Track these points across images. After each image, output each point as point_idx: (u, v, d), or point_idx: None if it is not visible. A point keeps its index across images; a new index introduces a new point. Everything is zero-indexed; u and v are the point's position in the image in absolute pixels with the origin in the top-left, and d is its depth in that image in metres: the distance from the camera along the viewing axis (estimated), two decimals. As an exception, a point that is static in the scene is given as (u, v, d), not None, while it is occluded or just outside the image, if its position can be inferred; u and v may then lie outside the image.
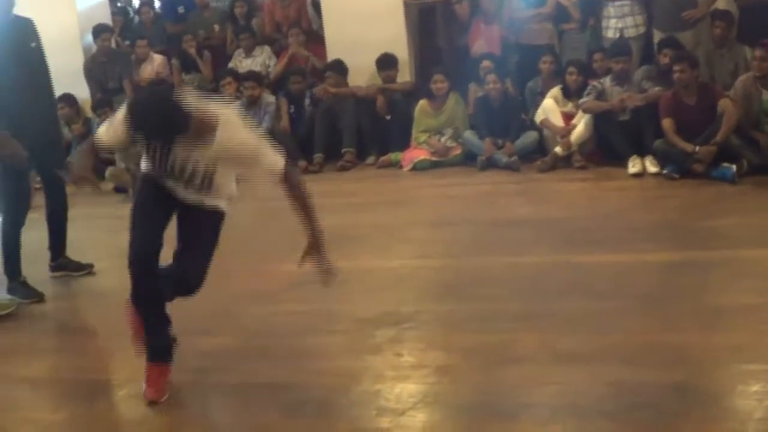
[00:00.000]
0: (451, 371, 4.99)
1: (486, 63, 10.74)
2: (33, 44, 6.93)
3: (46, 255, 7.33)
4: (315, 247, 5.23)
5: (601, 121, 9.66)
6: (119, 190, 10.68)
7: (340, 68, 11.53)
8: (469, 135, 10.42)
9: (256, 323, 5.97)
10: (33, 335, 6.28)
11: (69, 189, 7.30)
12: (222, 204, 5.44)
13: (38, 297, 6.87)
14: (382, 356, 5.26)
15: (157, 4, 14.80)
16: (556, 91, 10.31)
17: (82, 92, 12.71)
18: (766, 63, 8.88)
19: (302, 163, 10.87)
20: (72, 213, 7.40)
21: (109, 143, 5.25)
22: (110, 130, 5.13)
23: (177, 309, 6.26)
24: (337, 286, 6.03)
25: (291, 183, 5.29)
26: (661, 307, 5.61)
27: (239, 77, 11.95)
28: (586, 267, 6.47)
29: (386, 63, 11.43)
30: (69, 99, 12.05)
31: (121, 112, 4.90)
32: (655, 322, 5.38)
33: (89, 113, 12.57)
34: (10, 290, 6.88)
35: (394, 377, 4.96)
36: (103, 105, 11.75)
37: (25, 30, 6.94)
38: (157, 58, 13.11)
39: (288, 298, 6.38)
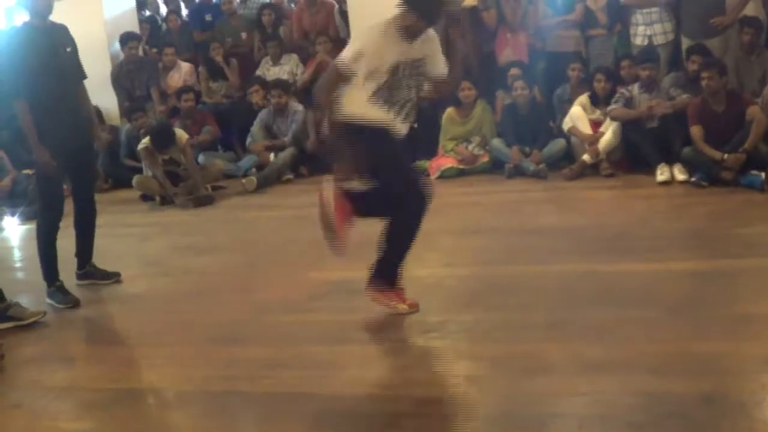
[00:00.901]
0: (478, 381, 4.97)
1: (514, 70, 10.72)
2: (68, 49, 6.97)
3: (74, 262, 7.34)
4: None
5: (629, 128, 9.63)
6: (146, 198, 10.70)
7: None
8: (496, 143, 10.41)
9: (284, 332, 5.95)
10: (60, 343, 6.28)
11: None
12: None
13: (74, 302, 6.89)
14: (409, 366, 5.23)
15: (184, 12, 14.83)
16: (584, 98, 10.28)
17: (109, 100, 12.78)
18: (796, 71, 8.85)
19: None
20: (99, 220, 7.41)
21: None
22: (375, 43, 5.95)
23: (206, 317, 6.31)
24: (363, 295, 6.05)
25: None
26: (690, 316, 5.57)
27: (267, 85, 11.97)
28: (613, 276, 6.44)
29: (413, 71, 11.39)
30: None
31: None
32: (684, 331, 5.34)
33: (116, 121, 12.63)
34: (49, 295, 6.92)
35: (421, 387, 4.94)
36: (137, 110, 11.85)
37: (61, 36, 6.98)
38: (185, 66, 13.15)
39: (316, 307, 6.37)
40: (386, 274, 6.00)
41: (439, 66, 6.16)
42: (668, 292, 6.04)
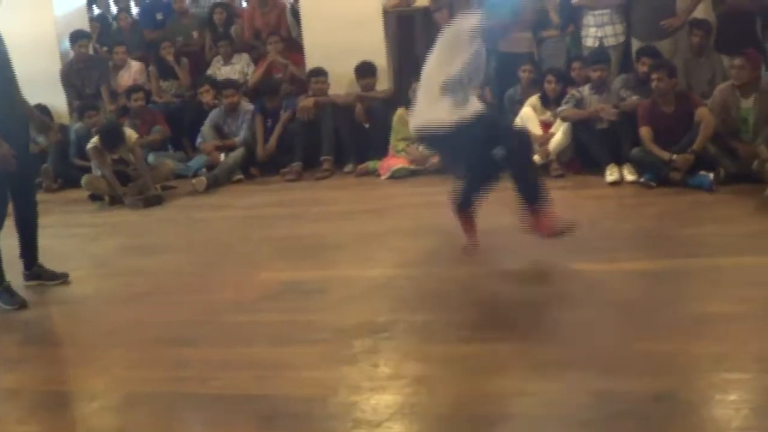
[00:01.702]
0: (428, 382, 4.96)
1: (466, 70, 10.71)
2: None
3: (19, 263, 7.25)
4: None
5: (579, 129, 9.67)
6: (95, 198, 10.61)
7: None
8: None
9: (235, 333, 5.92)
10: (6, 345, 6.21)
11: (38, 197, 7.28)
12: None
13: (21, 303, 6.81)
14: (359, 367, 5.21)
15: (135, 10, 14.74)
16: (534, 99, 10.31)
17: (59, 99, 12.68)
18: (745, 71, 8.90)
19: (283, 171, 10.91)
20: (47, 220, 7.37)
21: None
22: None
23: (156, 318, 6.27)
24: (315, 295, 6.05)
25: None
26: (640, 316, 5.60)
27: (217, 85, 11.93)
28: (564, 276, 6.48)
29: (365, 71, 11.42)
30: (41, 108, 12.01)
31: None
32: (634, 331, 5.37)
33: (65, 120, 12.53)
34: None
35: (370, 388, 4.91)
36: (90, 108, 11.75)
37: None
38: (135, 65, 13.07)
39: (268, 307, 6.35)
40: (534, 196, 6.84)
41: None
42: (618, 292, 6.08)
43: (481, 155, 6.81)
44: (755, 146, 8.35)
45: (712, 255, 6.67)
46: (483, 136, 6.67)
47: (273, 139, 11.34)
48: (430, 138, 7.02)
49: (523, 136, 7.20)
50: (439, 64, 6.82)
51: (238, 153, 11.17)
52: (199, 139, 11.62)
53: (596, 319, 5.59)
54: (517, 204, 6.85)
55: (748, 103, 8.97)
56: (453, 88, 6.67)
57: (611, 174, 9.28)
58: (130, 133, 10.58)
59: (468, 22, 6.71)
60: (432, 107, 6.74)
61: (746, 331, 5.25)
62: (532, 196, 6.82)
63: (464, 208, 7.12)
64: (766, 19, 10.39)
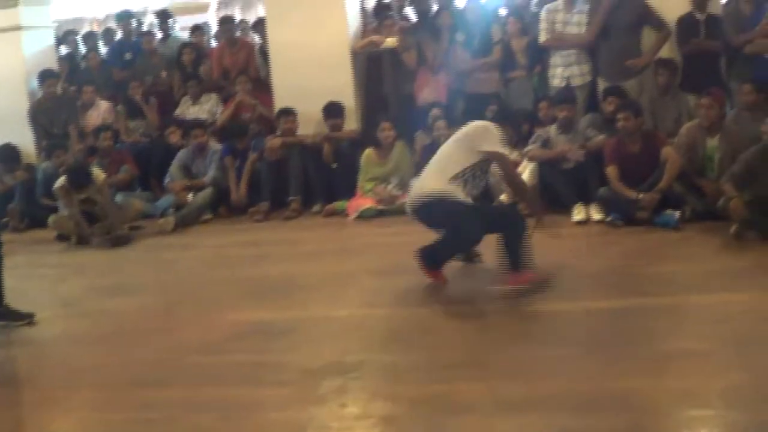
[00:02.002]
0: (396, 422, 4.96)
1: (435, 111, 10.77)
2: None
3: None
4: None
5: (546, 169, 9.71)
6: (62, 238, 10.57)
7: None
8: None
9: (202, 373, 5.90)
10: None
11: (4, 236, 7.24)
12: None
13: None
14: (328, 407, 5.21)
15: (103, 50, 14.73)
16: (501, 139, 10.35)
17: (27, 137, 12.67)
18: (713, 111, 8.99)
19: (251, 210, 10.91)
20: (14, 261, 7.33)
21: None
22: None
23: (124, 359, 6.24)
24: (283, 336, 6.04)
25: None
26: (607, 353, 5.62)
27: (185, 125, 11.93)
28: (531, 315, 6.49)
29: (333, 111, 11.45)
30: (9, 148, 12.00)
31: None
32: (601, 369, 5.39)
33: (33, 159, 12.51)
34: None
35: (339, 428, 4.92)
36: (58, 147, 11.73)
37: None
38: (103, 105, 13.06)
39: (235, 348, 6.32)
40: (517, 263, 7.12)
41: None
42: (585, 331, 6.11)
43: (472, 233, 7.19)
44: (720, 184, 8.41)
45: (677, 293, 6.73)
46: (479, 225, 7.12)
47: (243, 183, 11.33)
48: (428, 205, 7.24)
49: (514, 212, 7.76)
50: (457, 154, 7.36)
51: (207, 193, 11.15)
52: (167, 179, 11.60)
53: (563, 357, 5.61)
54: (498, 258, 7.16)
55: (713, 142, 9.05)
56: (459, 179, 7.19)
57: (578, 213, 9.33)
58: (98, 173, 10.56)
59: (489, 142, 7.30)
60: (438, 182, 7.21)
61: (711, 367, 5.30)
62: (515, 263, 7.12)
63: (437, 268, 7.31)
64: (731, 59, 10.50)
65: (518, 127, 9.07)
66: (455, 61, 11.44)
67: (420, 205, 7.28)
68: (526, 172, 9.81)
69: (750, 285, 6.81)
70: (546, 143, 9.84)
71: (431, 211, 7.19)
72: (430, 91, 11.45)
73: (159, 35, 14.25)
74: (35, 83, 12.91)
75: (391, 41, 11.82)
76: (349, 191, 10.89)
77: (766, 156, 8.24)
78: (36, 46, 13.42)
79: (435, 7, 12.30)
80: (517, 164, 10.01)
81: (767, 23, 9.84)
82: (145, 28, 15.15)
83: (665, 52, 10.70)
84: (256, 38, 13.57)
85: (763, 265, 7.36)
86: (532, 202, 7.82)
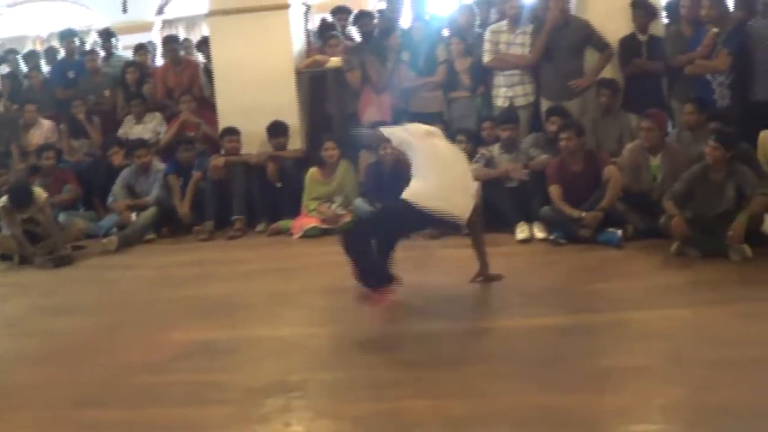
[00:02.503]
0: (340, 439, 4.97)
1: (380, 130, 10.79)
2: None
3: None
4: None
5: (489, 188, 9.74)
6: (4, 257, 10.49)
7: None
8: (359, 202, 10.44)
9: (146, 393, 5.87)
10: None
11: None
12: None
13: None
14: (271, 426, 5.21)
15: (46, 68, 14.63)
16: (445, 158, 10.40)
17: (-32, 157, 12.60)
18: (653, 133, 9.11)
19: (195, 229, 10.88)
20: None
21: None
22: None
23: (67, 379, 6.19)
24: (226, 355, 6.03)
25: None
26: (550, 370, 5.67)
27: (126, 145, 11.88)
28: (475, 332, 6.51)
29: (277, 130, 11.46)
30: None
31: None
32: (544, 385, 5.43)
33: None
34: None
35: (283, 446, 4.92)
36: (-1, 167, 11.66)
37: None
38: (46, 123, 12.98)
39: (179, 367, 6.30)
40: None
41: None
42: (528, 348, 6.14)
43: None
44: (664, 203, 8.49)
45: (619, 309, 6.79)
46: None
47: (187, 201, 11.28)
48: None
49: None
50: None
51: (150, 212, 11.11)
52: (110, 199, 11.54)
53: (506, 374, 5.65)
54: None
55: (656, 161, 9.15)
56: None
57: (521, 232, 9.38)
58: (40, 193, 10.48)
59: None
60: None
61: (651, 383, 5.36)
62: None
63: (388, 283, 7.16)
64: (672, 79, 10.62)
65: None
66: (400, 80, 11.47)
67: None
68: (470, 190, 9.86)
69: (690, 301, 6.91)
70: (489, 162, 9.89)
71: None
72: (374, 110, 11.46)
73: (102, 54, 14.17)
74: (-24, 102, 12.83)
75: (335, 61, 11.85)
76: (294, 210, 10.89)
77: (707, 175, 8.34)
78: (-23, 65, 13.34)
79: (377, 28, 12.33)
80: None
81: (707, 45, 9.96)
82: (88, 47, 15.02)
83: (607, 72, 10.80)
84: (201, 57, 13.53)
85: (703, 282, 7.46)
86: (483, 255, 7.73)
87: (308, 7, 13.79)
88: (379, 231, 7.22)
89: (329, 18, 13.46)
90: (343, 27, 12.95)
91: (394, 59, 11.53)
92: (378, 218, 7.58)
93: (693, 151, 9.19)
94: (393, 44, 11.58)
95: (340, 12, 13.25)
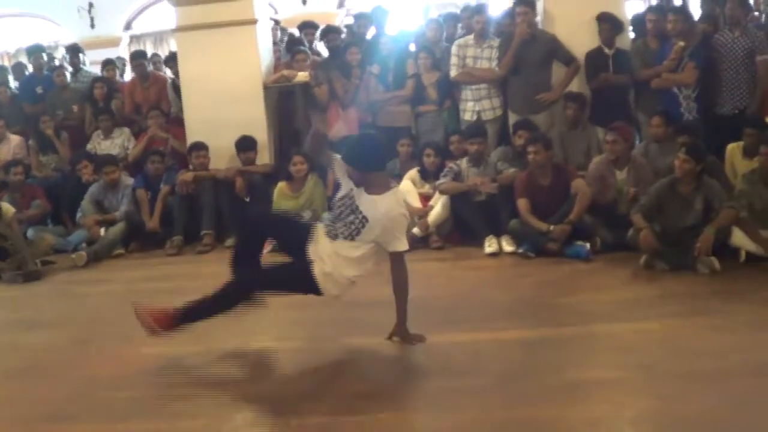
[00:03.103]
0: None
1: (347, 145, 10.80)
2: None
3: None
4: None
5: (457, 202, 9.79)
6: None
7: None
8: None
9: (115, 408, 5.84)
10: None
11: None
12: None
13: None
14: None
15: (13, 84, 14.59)
16: (413, 172, 10.44)
17: (-64, 171, 12.52)
18: (618, 146, 9.18)
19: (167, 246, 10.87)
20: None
21: None
22: None
23: (35, 394, 6.17)
24: (195, 369, 6.03)
25: None
26: (519, 383, 5.68)
27: (95, 160, 11.85)
28: (443, 346, 6.51)
29: (245, 145, 11.48)
30: None
31: None
32: (513, 398, 5.45)
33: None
34: None
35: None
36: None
37: None
38: (14, 139, 12.96)
39: (148, 382, 6.28)
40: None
41: None
42: (497, 361, 6.14)
43: None
44: (632, 216, 8.54)
45: (587, 322, 6.82)
46: None
47: (156, 216, 11.28)
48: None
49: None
50: None
51: (119, 227, 11.08)
52: (79, 214, 11.52)
53: (475, 388, 5.64)
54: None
55: (622, 175, 9.21)
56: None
57: (490, 245, 9.41)
58: (7, 208, 10.45)
59: None
60: None
61: (621, 395, 5.38)
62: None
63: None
64: (638, 92, 10.70)
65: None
66: (369, 94, 11.50)
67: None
68: (438, 204, 9.89)
69: (659, 314, 6.94)
70: (457, 176, 9.92)
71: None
72: (341, 125, 11.49)
73: (70, 70, 14.14)
74: (-56, 117, 12.78)
75: (302, 76, 11.87)
76: (262, 225, 10.86)
77: (674, 188, 8.40)
78: (-56, 80, 13.29)
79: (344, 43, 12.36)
80: (428, 198, 10.13)
81: (673, 58, 10.05)
82: (56, 62, 14.99)
83: (574, 86, 10.88)
84: (169, 73, 13.52)
85: (672, 295, 7.50)
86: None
87: (277, 22, 13.84)
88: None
89: (297, 33, 13.49)
90: (311, 42, 12.97)
91: (358, 74, 11.56)
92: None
93: (660, 164, 9.28)
94: (353, 59, 11.61)
95: (307, 27, 13.28)
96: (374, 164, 6.49)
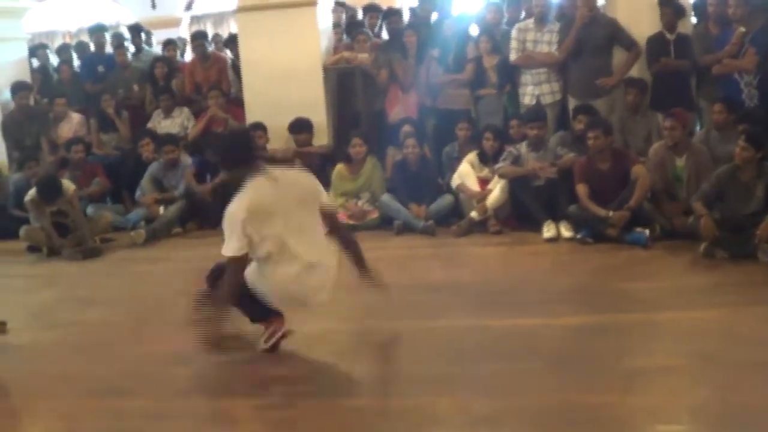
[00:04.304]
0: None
1: (406, 127, 10.81)
2: None
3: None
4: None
5: (516, 186, 9.75)
6: (33, 249, 10.55)
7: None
8: (386, 199, 10.44)
9: (173, 384, 5.91)
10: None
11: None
12: None
13: None
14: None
15: (76, 62, 14.70)
16: (472, 156, 10.40)
17: (-1, 149, 12.70)
18: (676, 132, 9.07)
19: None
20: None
21: None
22: None
23: (94, 369, 6.23)
24: (251, 347, 6.06)
25: None
26: (576, 369, 5.66)
27: (157, 138, 11.91)
28: (500, 330, 6.50)
29: (298, 127, 11.52)
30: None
31: None
32: (570, 384, 5.43)
33: (4, 170, 12.50)
34: None
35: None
36: (30, 159, 11.69)
37: None
38: (75, 117, 13.04)
39: (204, 359, 6.29)
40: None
41: None
42: (554, 346, 6.12)
43: None
44: (692, 204, 8.47)
45: (646, 310, 6.76)
46: None
47: (208, 185, 11.30)
48: None
49: None
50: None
51: (177, 206, 11.14)
52: (138, 192, 11.60)
53: (531, 372, 5.64)
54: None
55: (681, 162, 9.12)
56: None
57: (548, 230, 9.38)
58: (68, 185, 10.54)
59: None
60: None
61: (679, 383, 5.36)
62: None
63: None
64: (700, 78, 10.60)
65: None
66: (429, 76, 11.48)
67: None
68: (497, 188, 9.86)
69: (719, 302, 6.88)
70: (517, 160, 9.88)
71: None
72: (401, 108, 11.50)
73: (132, 49, 14.24)
74: (7, 95, 12.89)
75: (363, 58, 11.87)
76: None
77: (736, 175, 8.32)
78: (8, 57, 13.41)
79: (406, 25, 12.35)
80: (486, 182, 10.10)
81: (734, 44, 9.94)
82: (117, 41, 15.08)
83: (635, 71, 10.79)
84: (229, 54, 13.57)
85: (732, 283, 7.43)
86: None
87: (342, 4, 13.85)
88: None
89: (359, 15, 13.49)
90: (373, 26, 12.97)
91: (420, 55, 11.54)
92: None
93: (721, 152, 9.17)
94: (409, 41, 11.59)
95: (371, 11, 13.29)
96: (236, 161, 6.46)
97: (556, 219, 9.48)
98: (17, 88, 12.64)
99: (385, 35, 12.74)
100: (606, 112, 10.47)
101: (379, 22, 13.03)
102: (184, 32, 19.44)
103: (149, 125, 12.64)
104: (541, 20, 11.01)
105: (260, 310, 6.35)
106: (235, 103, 12.56)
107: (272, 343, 6.29)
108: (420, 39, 11.61)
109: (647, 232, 8.80)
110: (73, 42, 16.87)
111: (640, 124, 10.42)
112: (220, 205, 6.55)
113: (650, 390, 5.28)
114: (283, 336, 6.33)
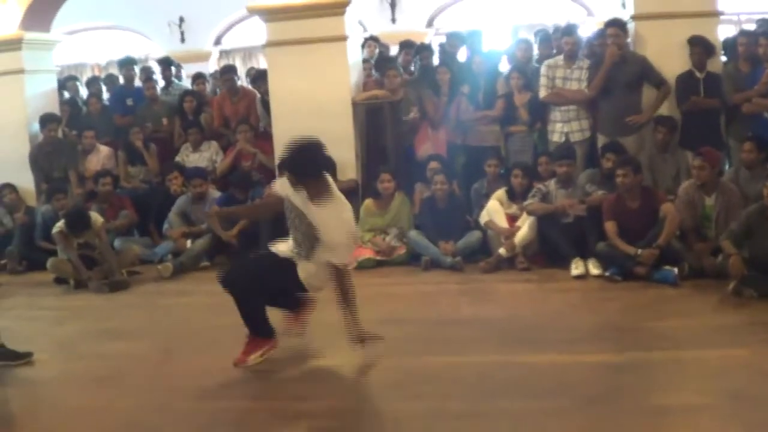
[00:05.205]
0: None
1: (433, 164, 10.82)
2: None
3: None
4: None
5: (544, 223, 9.73)
6: (60, 281, 10.56)
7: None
8: (414, 235, 10.43)
9: (196, 420, 5.88)
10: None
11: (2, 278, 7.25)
12: None
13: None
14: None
15: (105, 95, 14.78)
16: (501, 192, 10.39)
17: (27, 180, 12.71)
18: (704, 172, 9.06)
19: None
20: (11, 302, 7.33)
21: None
22: None
23: (119, 403, 6.22)
24: (278, 382, 6.04)
25: None
26: (604, 407, 5.62)
27: (185, 173, 11.94)
28: (528, 367, 6.47)
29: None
30: (12, 187, 12.18)
31: None
32: (598, 421, 5.40)
33: (32, 202, 12.55)
34: None
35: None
36: (58, 191, 11.76)
37: None
38: (104, 150, 13.10)
39: (230, 394, 6.31)
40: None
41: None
42: (582, 384, 6.08)
43: None
44: (721, 243, 8.44)
45: (675, 348, 6.72)
46: None
47: (235, 228, 11.27)
48: None
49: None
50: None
51: (205, 240, 11.16)
52: (165, 225, 11.63)
53: (559, 410, 5.60)
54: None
55: (711, 201, 9.09)
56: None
57: (576, 268, 9.35)
58: (96, 218, 10.57)
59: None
60: None
61: (709, 422, 5.31)
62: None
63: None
64: (729, 117, 10.57)
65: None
66: (459, 112, 11.48)
67: None
68: (525, 225, 9.84)
69: (748, 341, 6.83)
70: (545, 198, 9.86)
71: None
72: (430, 144, 11.50)
73: (161, 82, 14.31)
74: (36, 127, 12.95)
75: (391, 94, 11.89)
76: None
77: (765, 214, 8.28)
78: (38, 89, 13.48)
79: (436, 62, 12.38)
80: (515, 218, 10.08)
81: (765, 83, 9.92)
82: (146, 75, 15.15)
83: (665, 109, 10.77)
84: (257, 91, 13.63)
85: (761, 322, 7.38)
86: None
87: (375, 39, 13.89)
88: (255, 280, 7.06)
89: (390, 51, 13.52)
90: (407, 62, 13.01)
91: (451, 92, 11.55)
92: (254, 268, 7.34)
93: (750, 190, 9.14)
94: (442, 79, 11.60)
95: (407, 47, 13.36)
96: (310, 171, 6.91)
97: (585, 256, 9.45)
98: (46, 120, 12.71)
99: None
100: (635, 150, 10.44)
101: (412, 58, 13.08)
102: (212, 67, 19.53)
103: (177, 159, 12.68)
104: (571, 57, 11.01)
105: (268, 330, 6.87)
106: (264, 137, 12.58)
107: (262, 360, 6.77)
108: (451, 76, 11.62)
109: (676, 270, 8.76)
110: (103, 75, 16.98)
111: (669, 163, 10.40)
112: (246, 244, 6.71)
113: (678, 429, 5.26)
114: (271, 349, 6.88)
